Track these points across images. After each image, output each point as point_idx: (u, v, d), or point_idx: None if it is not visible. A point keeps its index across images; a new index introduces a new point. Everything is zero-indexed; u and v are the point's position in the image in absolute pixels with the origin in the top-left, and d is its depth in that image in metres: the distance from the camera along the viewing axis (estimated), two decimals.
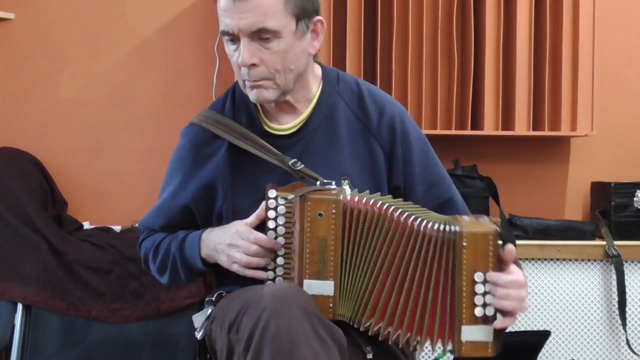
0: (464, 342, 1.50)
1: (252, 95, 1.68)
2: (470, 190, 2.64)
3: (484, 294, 1.48)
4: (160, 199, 1.84)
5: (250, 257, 1.60)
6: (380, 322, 1.55)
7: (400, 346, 1.56)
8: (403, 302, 1.54)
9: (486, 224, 1.51)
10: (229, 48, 1.66)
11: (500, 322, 1.49)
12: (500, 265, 1.50)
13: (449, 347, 1.52)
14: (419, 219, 1.53)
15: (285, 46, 1.62)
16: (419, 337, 1.53)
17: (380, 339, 1.56)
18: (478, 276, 1.48)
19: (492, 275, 1.48)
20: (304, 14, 1.63)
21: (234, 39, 1.62)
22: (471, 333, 1.49)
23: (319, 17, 1.68)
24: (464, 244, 1.48)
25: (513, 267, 1.51)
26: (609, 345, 2.58)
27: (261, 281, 1.62)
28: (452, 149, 2.77)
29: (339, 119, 1.75)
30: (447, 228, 1.51)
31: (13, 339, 2.46)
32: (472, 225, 1.51)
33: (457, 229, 1.49)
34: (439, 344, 1.53)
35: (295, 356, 1.36)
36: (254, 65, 1.62)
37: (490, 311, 1.49)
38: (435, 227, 1.52)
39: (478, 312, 1.49)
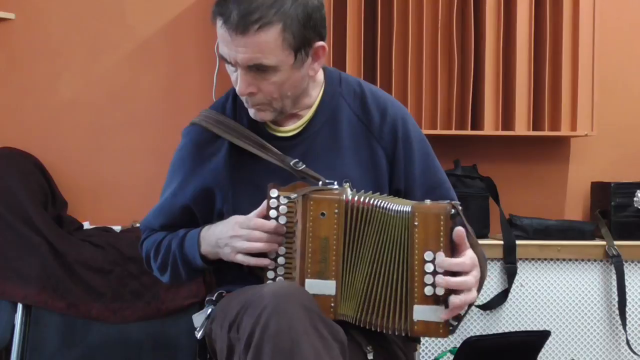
0: (415, 321, 1.52)
1: (251, 113, 1.70)
2: (470, 190, 2.64)
3: (434, 273, 1.50)
4: (161, 199, 1.84)
5: (253, 243, 1.60)
6: (373, 315, 1.55)
7: (392, 332, 1.56)
8: (378, 287, 1.55)
9: (441, 206, 1.52)
10: (228, 68, 1.66)
11: (446, 312, 1.50)
12: (453, 246, 1.51)
13: (405, 326, 1.53)
14: (389, 204, 1.55)
15: (283, 78, 1.61)
16: (385, 320, 1.54)
17: (376, 329, 1.56)
18: (428, 255, 1.50)
19: (438, 261, 1.49)
20: (303, 44, 1.60)
21: (232, 64, 1.62)
22: (422, 313, 1.51)
23: (320, 43, 1.64)
24: (416, 222, 1.50)
25: (468, 252, 1.51)
26: (609, 345, 2.58)
27: (261, 281, 1.62)
28: (452, 149, 2.77)
29: (341, 120, 1.75)
30: (403, 208, 1.53)
31: (13, 339, 2.45)
32: (427, 206, 1.53)
33: (410, 208, 1.52)
34: (398, 324, 1.53)
35: (295, 354, 1.36)
36: (251, 93, 1.63)
37: (440, 291, 1.50)
38: (396, 208, 1.53)
39: (428, 291, 1.50)
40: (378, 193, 1.61)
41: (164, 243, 1.80)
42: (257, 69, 1.59)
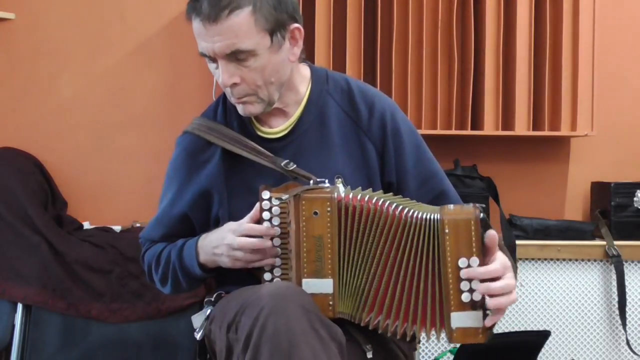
0: (454, 329, 1.51)
1: (240, 109, 1.70)
2: (470, 190, 2.64)
3: (469, 279, 1.49)
4: (159, 210, 1.85)
5: (251, 253, 1.60)
6: (379, 316, 1.55)
7: (398, 337, 1.56)
8: (399, 294, 1.54)
9: (469, 210, 1.51)
10: (211, 66, 1.66)
11: (490, 318, 1.49)
12: (485, 250, 1.50)
13: (442, 335, 1.53)
14: (408, 209, 1.54)
15: (263, 62, 1.62)
16: (414, 327, 1.54)
17: (379, 331, 1.56)
18: (462, 262, 1.49)
19: (471, 270, 1.48)
20: (277, 27, 1.62)
21: (213, 59, 1.63)
22: (460, 319, 1.50)
23: (295, 25, 1.66)
24: (446, 230, 1.49)
25: (498, 255, 1.51)
26: (609, 345, 2.58)
27: (260, 281, 1.62)
28: (452, 149, 2.77)
29: (329, 118, 1.75)
30: (431, 216, 1.51)
31: (13, 339, 2.46)
32: (454, 212, 1.51)
33: (439, 216, 1.50)
34: (433, 332, 1.53)
35: (293, 355, 1.36)
36: (235, 84, 1.63)
37: (477, 296, 1.49)
38: (420, 215, 1.52)
39: (465, 297, 1.49)
40: (371, 189, 1.61)
41: (164, 254, 1.80)
42: (236, 57, 1.60)
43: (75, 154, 2.82)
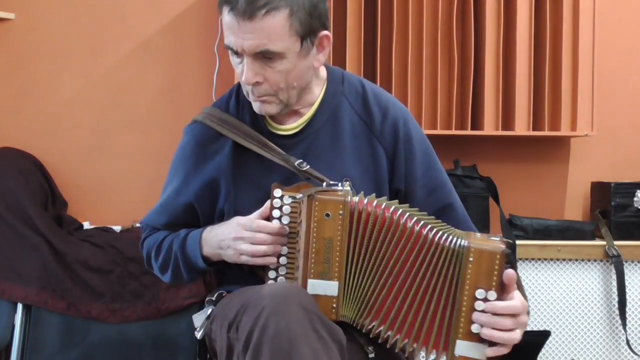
0: (457, 356, 1.50)
1: (256, 107, 1.69)
2: (470, 190, 2.64)
3: (483, 311, 1.48)
4: (163, 197, 1.83)
5: (257, 245, 1.59)
6: (382, 326, 1.55)
7: (396, 350, 1.56)
8: (406, 309, 1.53)
9: (495, 243, 1.50)
10: (234, 60, 1.65)
11: (493, 350, 1.48)
12: (503, 286, 1.49)
13: (442, 358, 1.52)
14: (431, 228, 1.53)
15: (289, 66, 1.61)
16: (415, 345, 1.53)
17: (379, 341, 1.56)
18: (479, 293, 1.48)
19: (489, 304, 1.47)
20: (309, 32, 1.60)
21: (238, 53, 1.61)
22: (465, 348, 1.49)
23: (325, 33, 1.65)
24: (470, 258, 1.48)
25: (516, 293, 1.49)
26: (609, 345, 2.58)
27: (262, 281, 1.62)
28: (452, 149, 2.77)
29: (342, 119, 1.74)
30: (457, 241, 1.50)
31: (13, 339, 2.46)
32: (481, 241, 1.50)
33: (466, 243, 1.49)
34: (433, 354, 1.53)
35: (294, 355, 1.36)
36: (257, 83, 1.62)
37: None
38: (446, 237, 1.51)
39: (475, 328, 1.48)
40: (386, 197, 1.60)
41: (165, 243, 1.79)
42: (264, 57, 1.58)
43: (75, 154, 2.82)
